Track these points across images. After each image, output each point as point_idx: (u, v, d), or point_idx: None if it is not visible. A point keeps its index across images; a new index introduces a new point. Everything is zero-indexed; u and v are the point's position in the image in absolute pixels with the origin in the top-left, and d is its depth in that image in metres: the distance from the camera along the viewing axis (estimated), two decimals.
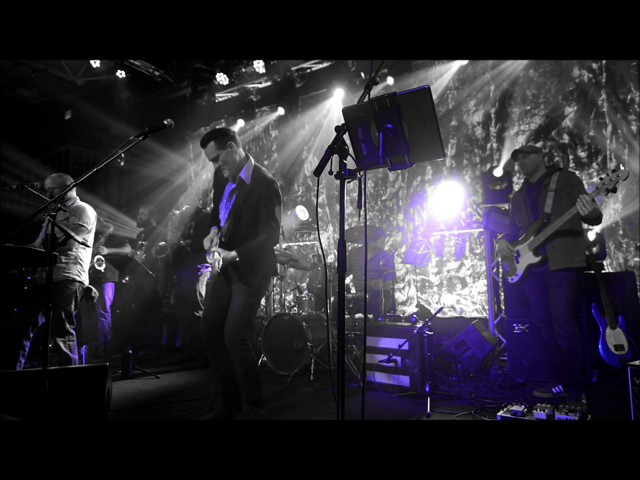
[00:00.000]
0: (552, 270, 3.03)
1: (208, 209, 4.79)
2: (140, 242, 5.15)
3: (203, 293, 4.64)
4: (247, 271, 2.60)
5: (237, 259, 2.54)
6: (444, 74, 5.63)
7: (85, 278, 3.40)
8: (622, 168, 2.68)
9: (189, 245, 4.52)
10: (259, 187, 2.64)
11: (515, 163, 3.35)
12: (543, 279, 3.13)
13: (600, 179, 2.76)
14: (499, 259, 3.44)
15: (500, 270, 3.42)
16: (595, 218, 2.82)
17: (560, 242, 3.01)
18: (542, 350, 3.40)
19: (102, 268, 4.32)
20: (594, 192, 2.77)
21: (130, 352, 4.10)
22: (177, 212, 4.74)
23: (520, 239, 3.26)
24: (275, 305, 5.52)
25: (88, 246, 3.42)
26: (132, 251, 5.00)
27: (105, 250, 4.81)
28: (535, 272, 3.17)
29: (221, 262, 2.53)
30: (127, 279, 4.65)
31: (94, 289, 3.99)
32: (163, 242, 4.80)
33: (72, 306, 3.26)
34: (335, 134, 1.50)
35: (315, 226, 6.26)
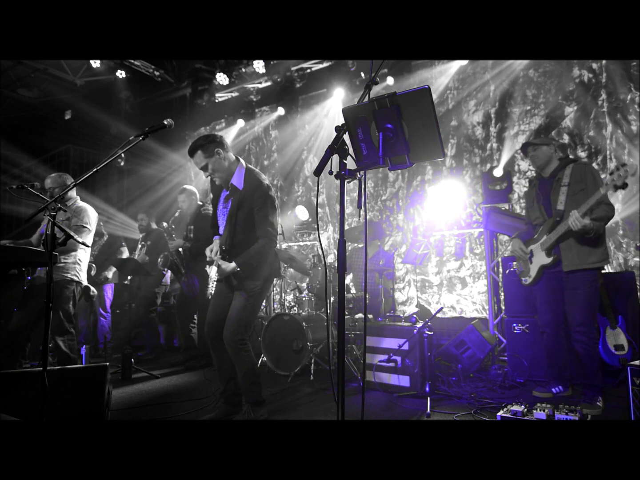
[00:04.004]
0: (566, 271, 2.86)
1: (207, 206, 4.78)
2: (142, 243, 5.17)
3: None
4: (247, 277, 2.61)
5: (237, 269, 2.55)
6: (444, 74, 5.63)
7: (83, 278, 3.41)
8: (630, 162, 2.50)
9: (188, 249, 4.56)
10: (251, 193, 2.59)
11: (526, 157, 3.18)
12: (557, 282, 2.99)
13: (610, 173, 2.57)
14: (513, 263, 3.29)
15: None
16: (587, 232, 2.68)
17: (576, 241, 2.81)
18: (542, 351, 3.38)
19: (92, 272, 4.35)
20: (589, 202, 2.64)
21: (131, 352, 4.11)
22: (166, 224, 4.83)
23: (534, 237, 3.11)
24: (275, 305, 5.52)
25: (88, 246, 3.42)
26: (133, 254, 5.03)
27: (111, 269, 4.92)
28: (548, 273, 3.03)
29: (222, 273, 2.55)
30: (129, 279, 4.68)
31: (92, 288, 4.00)
32: (165, 253, 4.86)
33: (71, 306, 3.27)
34: (335, 134, 1.50)
35: (315, 226, 6.26)
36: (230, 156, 2.67)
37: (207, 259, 2.66)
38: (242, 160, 2.72)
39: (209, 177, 2.69)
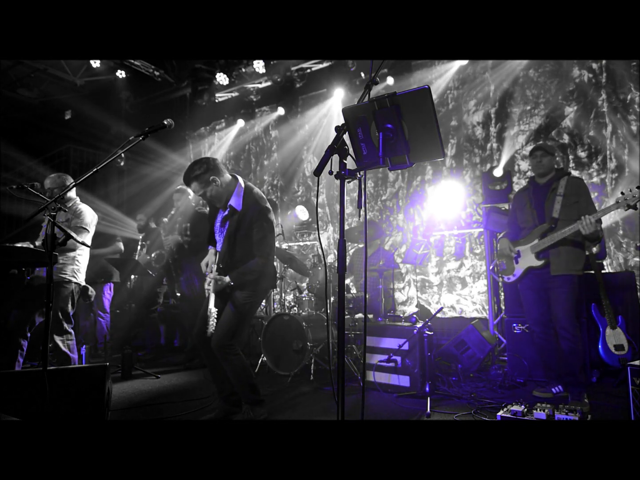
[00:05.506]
0: (554, 275, 3.04)
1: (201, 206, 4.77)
2: (141, 243, 5.16)
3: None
4: (240, 290, 2.63)
5: (232, 284, 2.58)
6: (444, 74, 5.63)
7: (82, 278, 3.41)
8: None
9: (187, 244, 4.49)
10: (250, 214, 2.59)
11: (530, 158, 3.27)
12: (540, 282, 3.13)
13: (622, 193, 2.74)
14: (497, 260, 3.43)
15: (497, 268, 3.42)
16: (595, 238, 2.87)
17: (566, 250, 3.02)
18: (536, 350, 3.41)
19: (92, 297, 4.30)
20: (600, 213, 2.81)
21: (131, 352, 4.10)
22: (166, 219, 4.77)
23: (522, 239, 3.24)
24: (275, 305, 5.52)
25: (88, 246, 3.42)
26: (133, 254, 5.01)
27: (95, 252, 4.79)
28: (533, 274, 3.17)
29: (217, 288, 2.57)
30: (132, 279, 4.65)
31: (90, 288, 3.98)
32: (159, 251, 4.81)
33: (69, 306, 3.27)
34: (335, 134, 1.49)
35: (315, 226, 6.26)
36: (226, 178, 2.64)
37: (204, 272, 2.70)
38: (240, 180, 2.69)
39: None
